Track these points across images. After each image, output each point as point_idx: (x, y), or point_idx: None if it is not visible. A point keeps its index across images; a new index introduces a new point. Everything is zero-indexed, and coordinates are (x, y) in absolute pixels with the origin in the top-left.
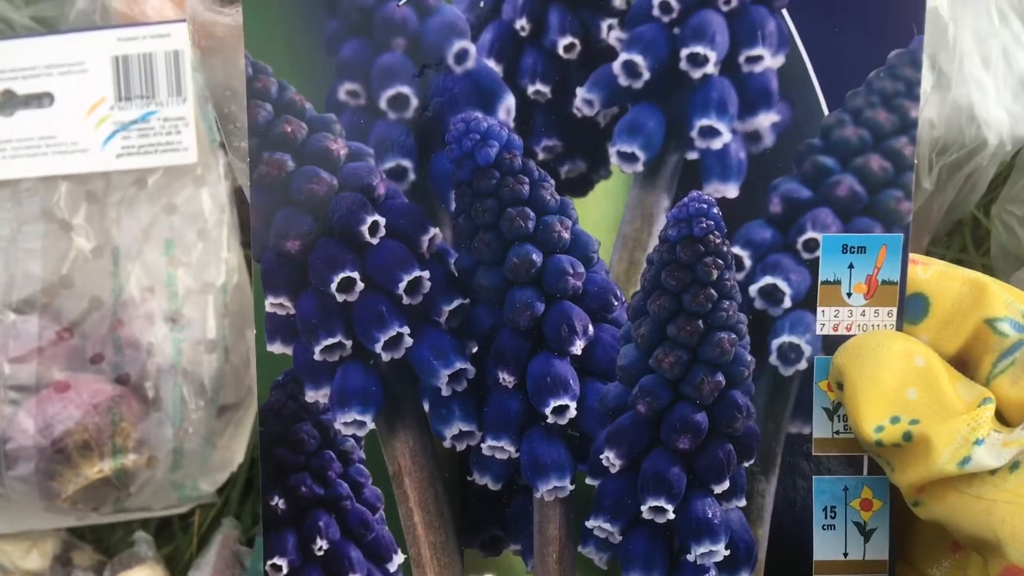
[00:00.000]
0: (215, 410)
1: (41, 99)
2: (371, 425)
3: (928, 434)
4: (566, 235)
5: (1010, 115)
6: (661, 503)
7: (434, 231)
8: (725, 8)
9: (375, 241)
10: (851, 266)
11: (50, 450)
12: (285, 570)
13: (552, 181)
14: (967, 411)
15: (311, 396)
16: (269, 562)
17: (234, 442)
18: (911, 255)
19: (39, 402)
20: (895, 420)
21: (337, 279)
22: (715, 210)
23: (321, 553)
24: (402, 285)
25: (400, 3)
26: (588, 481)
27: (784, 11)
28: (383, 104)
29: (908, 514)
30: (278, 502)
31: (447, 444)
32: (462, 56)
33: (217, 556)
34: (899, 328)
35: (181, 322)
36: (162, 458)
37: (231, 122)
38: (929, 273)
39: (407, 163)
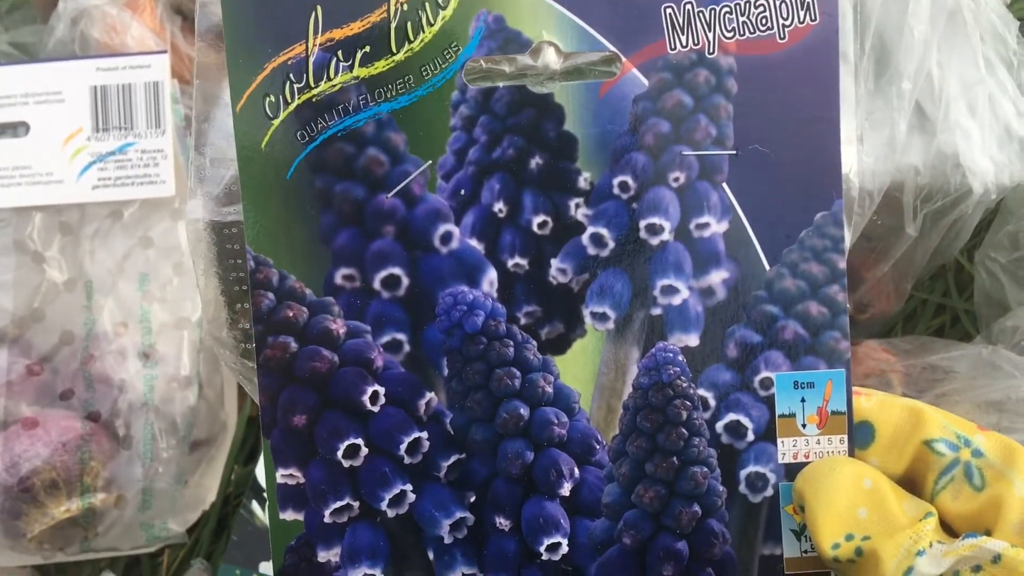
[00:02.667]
0: (187, 448)
1: (16, 128)
2: None
3: (876, 548)
4: (549, 389)
5: (995, 163)
6: None
7: (430, 395)
8: (675, 184)
9: (376, 409)
10: (803, 400)
11: (16, 489)
12: None
13: (534, 342)
14: (911, 525)
15: (323, 556)
16: None
17: (206, 479)
18: (855, 387)
19: (6, 439)
20: (849, 537)
21: (343, 447)
22: (680, 358)
23: None
24: (403, 447)
25: (388, 195)
26: None
27: (724, 184)
28: (377, 285)
29: None
30: None
31: None
32: (447, 238)
33: None
34: (850, 453)
35: (154, 358)
36: (131, 497)
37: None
38: (872, 402)
39: (402, 336)
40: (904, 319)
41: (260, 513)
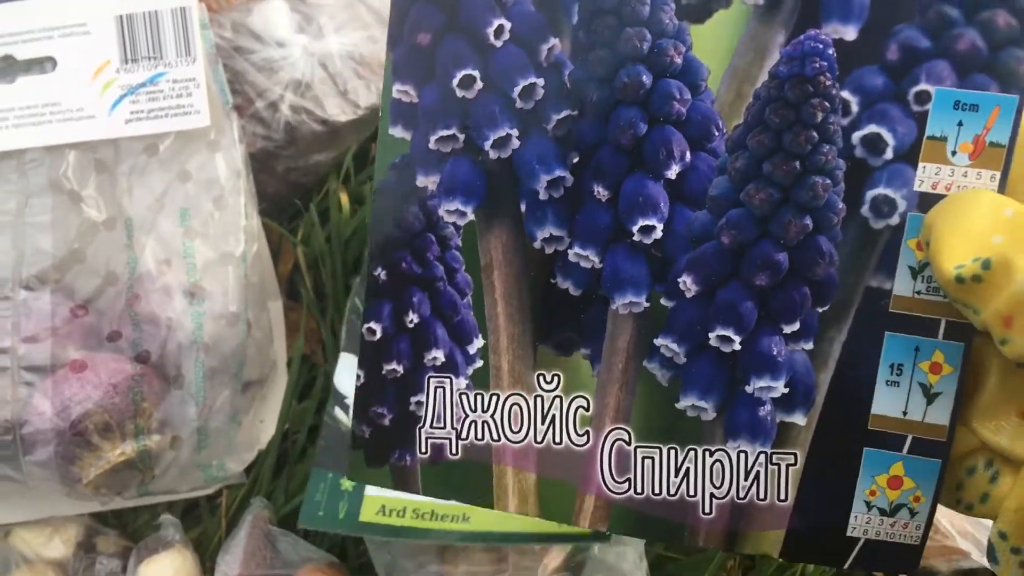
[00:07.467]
0: (239, 386)
1: (43, 64)
2: (471, 216)
3: (1008, 256)
4: (678, 60)
5: None
6: (729, 333)
7: (554, 41)
8: None
9: (499, 44)
10: (960, 124)
11: (69, 433)
12: (378, 335)
13: (672, 5)
14: None
15: (422, 181)
16: (366, 326)
17: (260, 419)
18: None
19: (55, 383)
20: (977, 260)
21: (459, 75)
22: (830, 51)
23: (411, 325)
24: (517, 89)
25: None
26: (663, 302)
27: None
28: None
29: (975, 381)
30: (380, 273)
31: (537, 245)
32: None
33: (248, 538)
34: (1000, 191)
35: (200, 295)
36: (186, 438)
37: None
38: None
39: None
40: None
41: (344, 419)
